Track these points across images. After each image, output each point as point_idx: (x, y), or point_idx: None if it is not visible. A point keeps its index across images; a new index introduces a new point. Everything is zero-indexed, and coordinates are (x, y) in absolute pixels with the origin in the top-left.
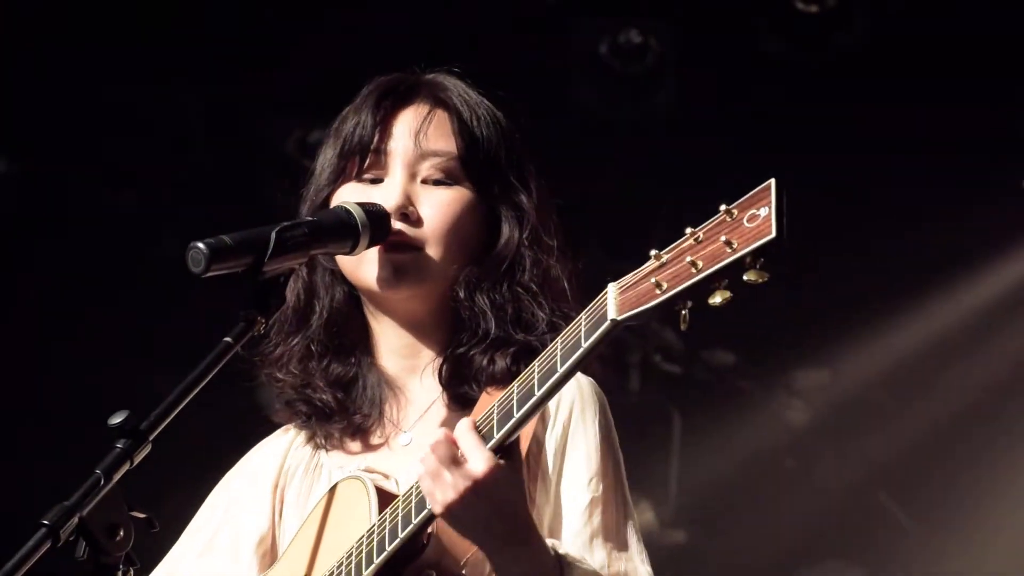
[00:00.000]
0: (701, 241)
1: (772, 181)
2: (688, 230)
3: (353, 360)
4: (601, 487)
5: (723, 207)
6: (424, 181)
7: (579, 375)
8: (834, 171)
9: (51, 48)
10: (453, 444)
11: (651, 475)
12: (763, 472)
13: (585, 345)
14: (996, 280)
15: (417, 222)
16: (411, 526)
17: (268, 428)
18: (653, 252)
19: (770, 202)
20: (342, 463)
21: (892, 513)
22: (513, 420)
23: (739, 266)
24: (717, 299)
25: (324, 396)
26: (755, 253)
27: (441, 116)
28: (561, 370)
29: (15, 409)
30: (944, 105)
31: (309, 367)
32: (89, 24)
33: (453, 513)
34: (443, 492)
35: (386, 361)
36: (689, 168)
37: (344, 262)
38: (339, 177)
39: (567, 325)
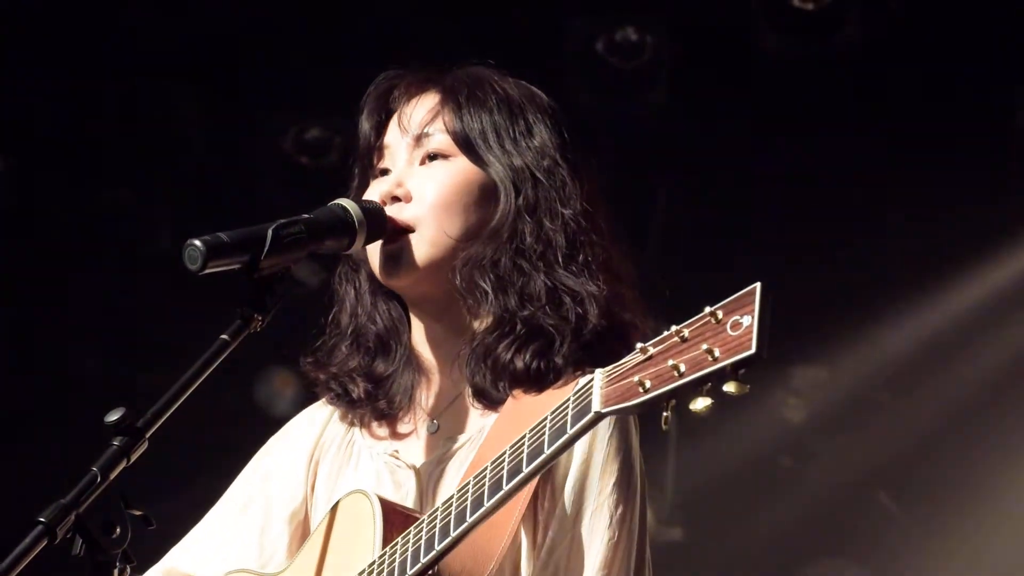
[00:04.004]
0: (687, 340)
1: (758, 286)
2: (673, 327)
3: (394, 354)
4: (619, 532)
5: (708, 308)
6: (422, 163)
7: None
8: (831, 168)
9: (46, 43)
10: None
11: (648, 473)
12: (760, 470)
13: (570, 432)
14: (994, 277)
15: (406, 199)
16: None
17: (264, 426)
18: (639, 345)
19: (753, 311)
20: (371, 444)
21: (890, 511)
22: (502, 492)
23: (720, 375)
24: (699, 405)
25: (358, 389)
26: (736, 365)
27: (428, 96)
28: (547, 452)
29: (10, 406)
30: (942, 100)
31: (353, 360)
32: (86, 19)
33: None
34: None
35: (420, 348)
36: (685, 165)
37: (362, 257)
38: (366, 175)
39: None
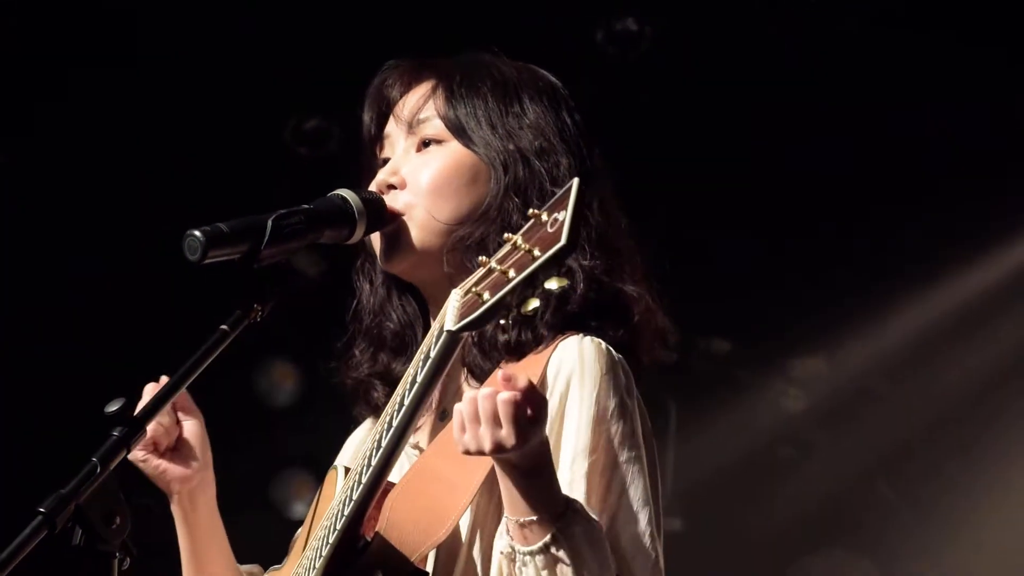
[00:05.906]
0: (518, 246)
1: (575, 182)
2: (506, 235)
3: (410, 350)
4: (586, 465)
5: (532, 211)
6: (417, 150)
7: (587, 340)
8: (832, 157)
9: (46, 40)
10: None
11: None
12: (759, 460)
13: (432, 356)
14: (994, 268)
15: (401, 186)
16: (336, 533)
17: (263, 418)
18: (481, 258)
19: (567, 205)
20: None
21: (890, 501)
22: (394, 429)
23: (542, 272)
24: (530, 307)
25: (378, 392)
26: (552, 259)
27: (423, 83)
28: (420, 380)
29: (11, 398)
30: (941, 93)
31: (372, 362)
32: (85, 13)
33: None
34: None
35: None
36: (688, 156)
37: (369, 248)
38: (371, 167)
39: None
